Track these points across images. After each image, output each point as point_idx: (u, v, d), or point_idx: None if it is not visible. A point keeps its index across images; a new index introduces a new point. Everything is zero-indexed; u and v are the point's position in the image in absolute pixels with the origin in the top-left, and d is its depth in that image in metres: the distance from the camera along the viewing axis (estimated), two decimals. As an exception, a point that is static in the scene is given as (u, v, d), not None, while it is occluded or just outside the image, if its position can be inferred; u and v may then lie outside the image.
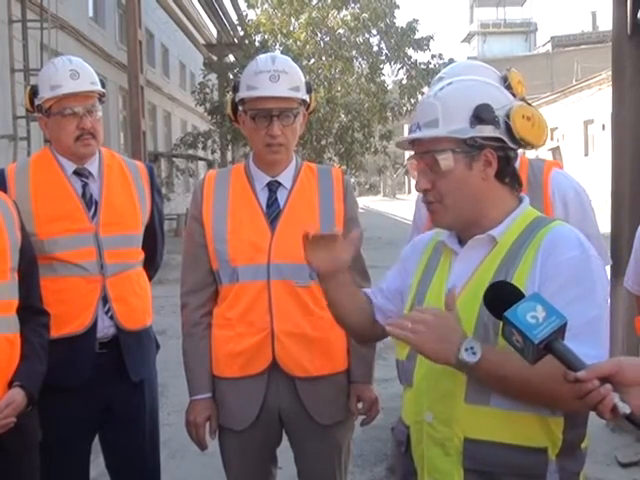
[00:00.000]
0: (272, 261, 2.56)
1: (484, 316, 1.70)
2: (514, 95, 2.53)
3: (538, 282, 1.69)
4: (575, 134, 29.95)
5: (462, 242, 1.85)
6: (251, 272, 2.57)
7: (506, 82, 2.53)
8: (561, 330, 1.44)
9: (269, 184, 2.64)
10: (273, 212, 2.62)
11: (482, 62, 2.82)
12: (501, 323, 1.51)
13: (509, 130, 1.75)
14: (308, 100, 2.65)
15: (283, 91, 2.53)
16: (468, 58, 49.71)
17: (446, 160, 1.75)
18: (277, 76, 2.53)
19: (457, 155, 1.74)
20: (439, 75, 2.64)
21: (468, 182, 1.76)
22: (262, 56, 2.67)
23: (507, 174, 1.80)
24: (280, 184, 2.64)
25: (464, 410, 1.73)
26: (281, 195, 2.64)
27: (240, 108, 2.62)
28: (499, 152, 1.76)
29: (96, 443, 3.00)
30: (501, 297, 1.51)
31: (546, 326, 1.43)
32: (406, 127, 1.91)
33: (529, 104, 1.93)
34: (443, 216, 1.82)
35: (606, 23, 54.20)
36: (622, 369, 1.41)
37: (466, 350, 1.60)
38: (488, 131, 1.74)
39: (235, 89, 2.63)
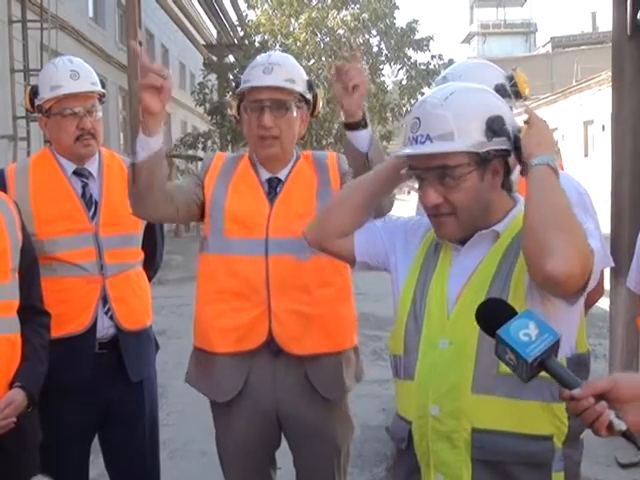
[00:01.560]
0: (271, 236, 2.54)
1: None
2: (519, 95, 2.56)
3: None
4: (575, 135, 29.94)
5: (462, 239, 1.85)
6: (247, 246, 2.55)
7: (512, 81, 2.56)
8: (555, 347, 1.44)
9: (269, 180, 2.64)
10: (272, 192, 2.62)
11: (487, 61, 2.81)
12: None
13: (517, 141, 1.77)
14: (309, 97, 2.62)
15: (275, 81, 2.51)
16: (468, 59, 49.65)
17: (464, 174, 1.73)
18: (270, 68, 2.52)
19: (471, 168, 1.73)
20: (443, 74, 2.65)
21: (480, 193, 1.76)
22: (262, 54, 2.68)
23: (507, 180, 1.83)
24: (280, 180, 2.64)
25: (471, 401, 1.73)
26: (280, 188, 2.64)
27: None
28: (503, 161, 1.78)
29: (95, 443, 3.00)
30: (494, 314, 1.50)
31: (539, 344, 1.42)
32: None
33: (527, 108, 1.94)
34: (454, 228, 1.81)
35: (606, 24, 54.19)
36: (617, 385, 1.41)
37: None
38: (501, 144, 1.74)
39: (237, 88, 2.63)
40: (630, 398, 1.41)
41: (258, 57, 2.65)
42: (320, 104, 2.67)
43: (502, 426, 1.72)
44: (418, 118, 1.78)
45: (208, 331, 2.62)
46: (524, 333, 1.43)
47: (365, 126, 2.39)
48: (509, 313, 1.48)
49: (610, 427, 1.39)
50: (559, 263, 1.54)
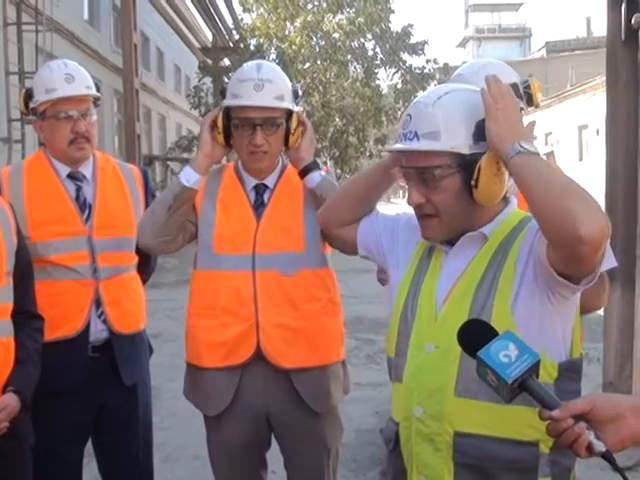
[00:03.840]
0: (257, 251, 2.58)
1: (474, 314, 1.72)
2: (531, 100, 2.58)
3: (524, 259, 1.71)
4: (569, 139, 30.00)
5: (452, 242, 1.85)
6: (235, 261, 2.59)
7: (525, 83, 2.59)
8: (535, 368, 1.44)
9: (256, 187, 2.67)
10: (259, 207, 2.65)
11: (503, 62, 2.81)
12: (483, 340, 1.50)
13: None
14: (294, 109, 2.63)
15: (267, 101, 2.53)
16: (463, 63, 49.71)
17: (445, 176, 1.72)
18: (261, 85, 2.53)
19: (455, 169, 1.72)
20: (458, 72, 2.66)
21: (464, 195, 1.75)
22: (249, 63, 2.67)
23: None
24: (267, 187, 2.68)
25: (454, 404, 1.73)
26: (267, 195, 2.67)
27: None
28: None
29: (89, 447, 2.99)
30: (475, 335, 1.51)
31: (519, 365, 1.43)
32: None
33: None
34: (437, 230, 1.81)
35: (600, 28, 54.20)
36: (596, 406, 1.41)
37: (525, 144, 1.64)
38: (488, 147, 1.72)
39: (222, 94, 2.63)
40: (609, 418, 1.41)
41: (245, 66, 2.64)
42: (298, 134, 2.64)
43: (485, 430, 1.72)
44: (410, 115, 1.79)
45: (198, 346, 2.66)
46: (504, 354, 1.44)
47: (317, 168, 2.62)
48: (490, 334, 1.49)
49: (590, 448, 1.39)
50: (590, 223, 1.48)
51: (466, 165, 1.72)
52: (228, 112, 2.58)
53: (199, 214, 2.66)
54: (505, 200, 1.85)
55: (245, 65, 2.66)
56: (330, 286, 2.69)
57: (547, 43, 53.13)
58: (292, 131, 2.62)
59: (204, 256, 2.64)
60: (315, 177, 2.60)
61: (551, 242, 1.57)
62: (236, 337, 2.58)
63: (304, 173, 2.61)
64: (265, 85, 2.53)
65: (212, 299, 2.61)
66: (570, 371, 1.75)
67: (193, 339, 2.68)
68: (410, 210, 1.92)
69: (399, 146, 1.79)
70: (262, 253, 2.58)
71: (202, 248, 2.65)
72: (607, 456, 1.39)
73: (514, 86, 2.48)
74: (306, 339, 2.60)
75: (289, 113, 2.61)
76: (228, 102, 2.58)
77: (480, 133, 1.71)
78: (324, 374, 2.65)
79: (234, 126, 2.57)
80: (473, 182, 1.71)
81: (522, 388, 1.45)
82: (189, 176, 2.57)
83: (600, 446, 1.38)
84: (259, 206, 2.65)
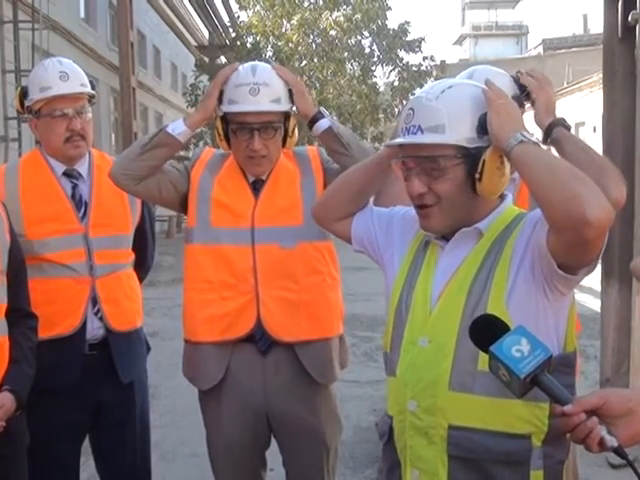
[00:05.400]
0: (256, 225, 2.59)
1: (469, 309, 1.72)
2: (529, 96, 2.59)
3: (520, 254, 1.72)
4: (566, 136, 30.01)
5: (447, 237, 1.85)
6: (234, 235, 2.59)
7: (524, 91, 2.58)
8: (547, 363, 1.44)
9: (254, 182, 2.68)
10: (257, 190, 2.66)
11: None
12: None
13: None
14: (291, 110, 2.63)
15: (263, 105, 2.53)
16: (460, 60, 49.80)
17: (449, 166, 1.73)
18: (257, 89, 2.52)
19: (458, 160, 1.73)
20: (471, 70, 2.64)
21: (466, 187, 1.75)
22: (244, 66, 2.64)
23: None
24: (265, 181, 2.68)
25: (448, 398, 1.74)
26: (264, 183, 2.69)
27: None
28: None
29: (86, 445, 2.98)
30: (486, 330, 1.50)
31: (531, 360, 1.42)
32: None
33: None
34: (438, 219, 1.80)
35: (597, 26, 54.28)
36: (608, 401, 1.42)
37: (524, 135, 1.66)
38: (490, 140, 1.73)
39: (219, 98, 2.61)
40: (620, 413, 1.42)
41: (241, 70, 2.60)
42: (295, 136, 2.68)
43: (479, 424, 1.72)
44: (412, 109, 1.79)
45: (195, 321, 2.65)
46: (516, 349, 1.43)
47: (322, 117, 2.61)
48: (502, 329, 1.48)
49: (602, 443, 1.39)
50: (597, 206, 1.50)
51: (470, 157, 1.72)
52: (226, 117, 2.58)
53: (195, 187, 2.66)
54: (501, 196, 1.86)
55: (241, 68, 2.62)
56: (329, 259, 2.69)
57: (544, 40, 53.11)
58: (290, 133, 2.62)
59: (201, 230, 2.64)
60: (324, 123, 2.61)
61: (556, 227, 1.57)
62: (237, 310, 2.59)
63: (311, 125, 2.62)
64: (261, 89, 2.52)
65: (210, 273, 2.62)
66: (563, 365, 1.75)
67: (190, 315, 2.67)
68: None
69: (402, 140, 1.79)
70: (261, 227, 2.59)
71: (199, 222, 2.64)
72: (619, 451, 1.39)
73: (517, 98, 2.48)
74: (307, 312, 2.61)
75: (287, 115, 2.61)
76: (225, 108, 2.58)
77: (483, 127, 1.72)
78: (327, 345, 2.67)
79: (232, 131, 2.57)
80: (477, 175, 1.72)
81: (534, 383, 1.44)
82: (176, 126, 2.57)
83: (612, 441, 1.38)
84: (257, 193, 2.66)
